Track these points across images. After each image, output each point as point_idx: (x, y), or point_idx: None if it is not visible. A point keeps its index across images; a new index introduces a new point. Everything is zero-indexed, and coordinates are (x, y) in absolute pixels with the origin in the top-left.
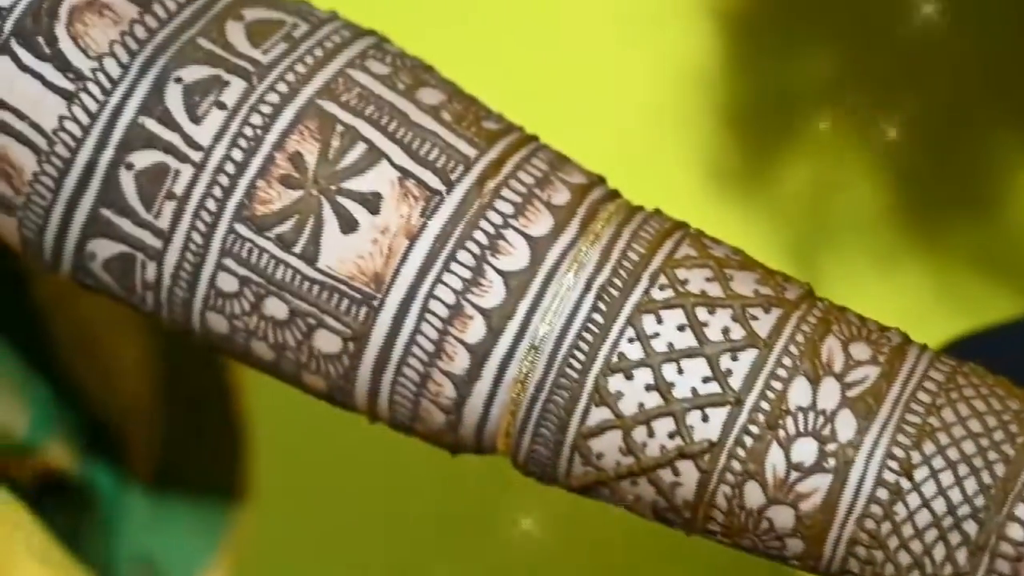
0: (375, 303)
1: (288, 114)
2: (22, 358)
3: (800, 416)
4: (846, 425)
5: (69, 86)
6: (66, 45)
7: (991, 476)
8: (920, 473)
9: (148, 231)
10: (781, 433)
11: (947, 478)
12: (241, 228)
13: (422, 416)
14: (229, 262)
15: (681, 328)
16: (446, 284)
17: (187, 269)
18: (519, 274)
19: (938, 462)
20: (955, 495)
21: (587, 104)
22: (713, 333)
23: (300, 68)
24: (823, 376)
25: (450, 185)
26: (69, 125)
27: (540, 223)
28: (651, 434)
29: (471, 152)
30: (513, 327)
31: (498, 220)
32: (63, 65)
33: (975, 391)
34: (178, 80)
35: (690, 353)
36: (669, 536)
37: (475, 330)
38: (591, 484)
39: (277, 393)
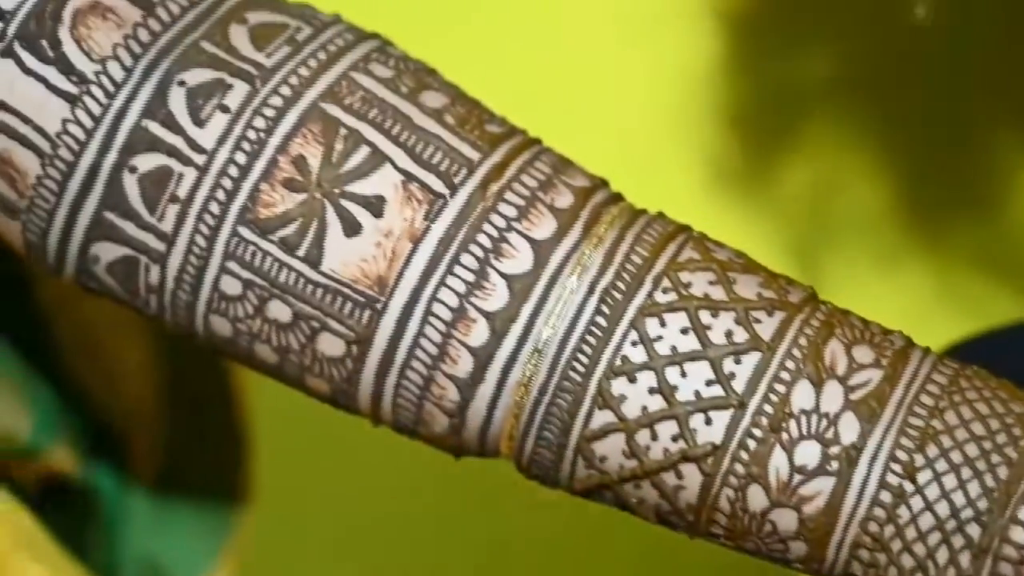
0: (378, 306)
1: (291, 117)
2: (25, 361)
3: (803, 419)
4: (849, 428)
5: (72, 89)
6: (70, 48)
7: (994, 479)
8: (923, 476)
9: (151, 234)
10: (784, 436)
11: (950, 481)
12: (244, 231)
13: (425, 419)
14: (232, 265)
15: (684, 331)
16: (449, 287)
17: (190, 272)
18: (522, 277)
19: (941, 465)
20: (958, 498)
21: (588, 105)
22: (716, 336)
23: (303, 71)
24: (826, 379)
25: (453, 188)
26: (72, 128)
27: (543, 226)
28: (654, 437)
29: (474, 155)
30: (516, 330)
31: (501, 223)
32: (66, 68)
33: (978, 394)
34: (181, 83)
35: (693, 356)
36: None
37: (478, 333)
38: (594, 487)
39: (280, 396)
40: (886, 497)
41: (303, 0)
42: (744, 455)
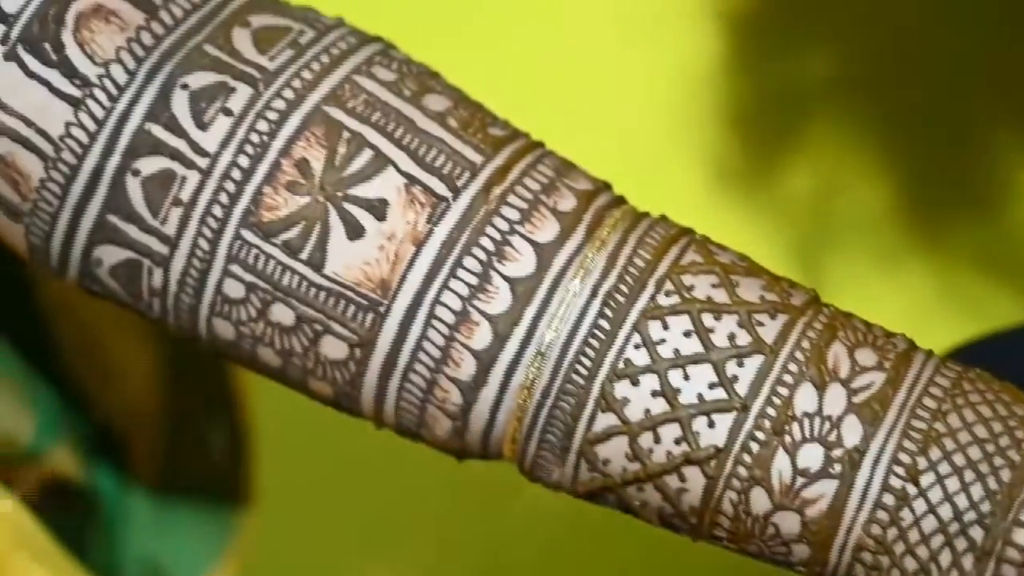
0: (381, 309)
1: (294, 120)
2: (27, 363)
3: (806, 422)
4: (852, 431)
5: (76, 92)
6: (73, 52)
7: (997, 482)
8: (926, 479)
9: (155, 237)
10: (787, 439)
11: (953, 484)
12: (247, 234)
13: (428, 422)
14: (235, 268)
15: (687, 334)
16: (452, 290)
17: (193, 275)
18: (525, 280)
19: (944, 468)
20: (961, 501)
21: (590, 106)
22: (719, 339)
23: (306, 74)
24: (829, 382)
25: (456, 191)
26: (76, 132)
27: (546, 229)
28: (657, 440)
29: (477, 158)
30: (519, 333)
31: (504, 226)
32: (70, 72)
33: (981, 397)
34: (184, 87)
35: (696, 359)
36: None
37: (481, 336)
38: (597, 490)
39: (282, 397)
40: (889, 500)
41: (306, 3)
42: (747, 458)
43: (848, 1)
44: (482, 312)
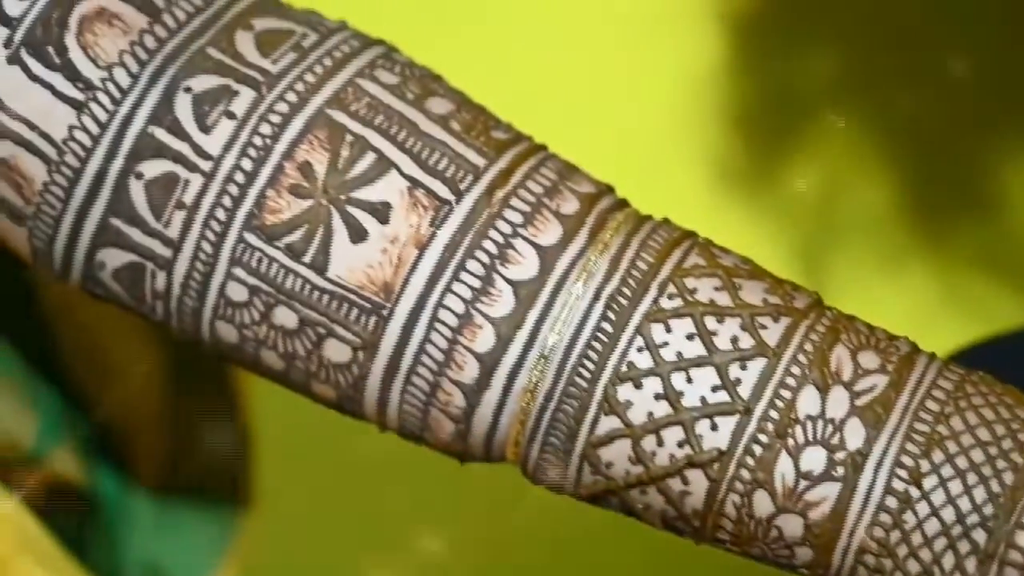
0: (384, 312)
1: (297, 124)
2: (29, 365)
3: (809, 425)
4: (855, 434)
5: (79, 96)
6: (76, 55)
7: (1000, 485)
8: (929, 482)
9: (158, 240)
10: (790, 442)
11: (956, 487)
12: (251, 237)
13: (431, 425)
14: (239, 271)
15: (690, 337)
16: (455, 293)
17: (197, 279)
18: (528, 283)
19: (947, 471)
20: (964, 504)
21: (592, 108)
22: (722, 342)
23: (309, 78)
24: (832, 385)
25: (459, 195)
26: (79, 135)
27: (549, 232)
28: (660, 443)
29: (480, 162)
30: (522, 336)
31: (507, 229)
32: (73, 75)
33: (984, 400)
34: (187, 90)
35: (699, 362)
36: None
37: (484, 339)
38: (600, 493)
39: (283, 399)
40: (892, 503)
41: (309, 6)
42: (750, 461)
43: (851, 1)
44: (485, 315)
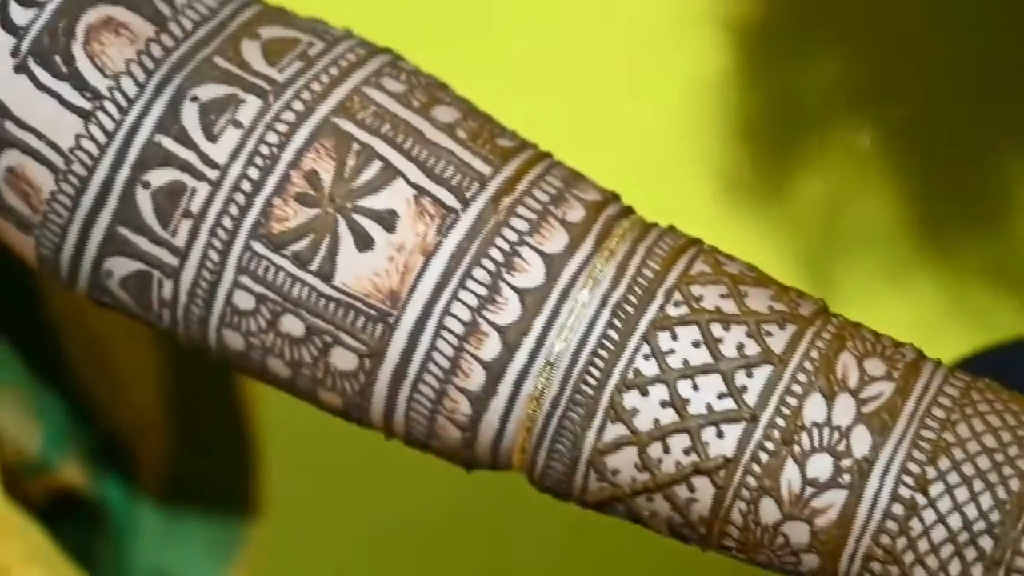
0: (391, 320)
1: (304, 132)
2: (35, 374)
3: (815, 432)
4: (861, 441)
5: (86, 105)
6: (83, 64)
7: (1006, 491)
8: (935, 488)
9: (165, 249)
10: (796, 449)
11: (962, 493)
12: (257, 246)
13: (438, 433)
14: (245, 280)
15: (696, 344)
16: (462, 301)
17: (203, 287)
18: (534, 291)
19: (953, 477)
20: (970, 510)
21: (598, 117)
22: (728, 349)
23: (316, 86)
24: (838, 392)
25: (465, 203)
26: (86, 144)
27: (555, 240)
28: (666, 450)
29: (486, 170)
30: (529, 344)
31: (513, 237)
32: (80, 84)
33: (990, 406)
34: (194, 99)
35: (705, 369)
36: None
37: (491, 347)
38: (606, 500)
39: (290, 406)
40: (898, 510)
41: (314, 15)
42: (756, 468)
43: (858, 13)
44: (491, 323)
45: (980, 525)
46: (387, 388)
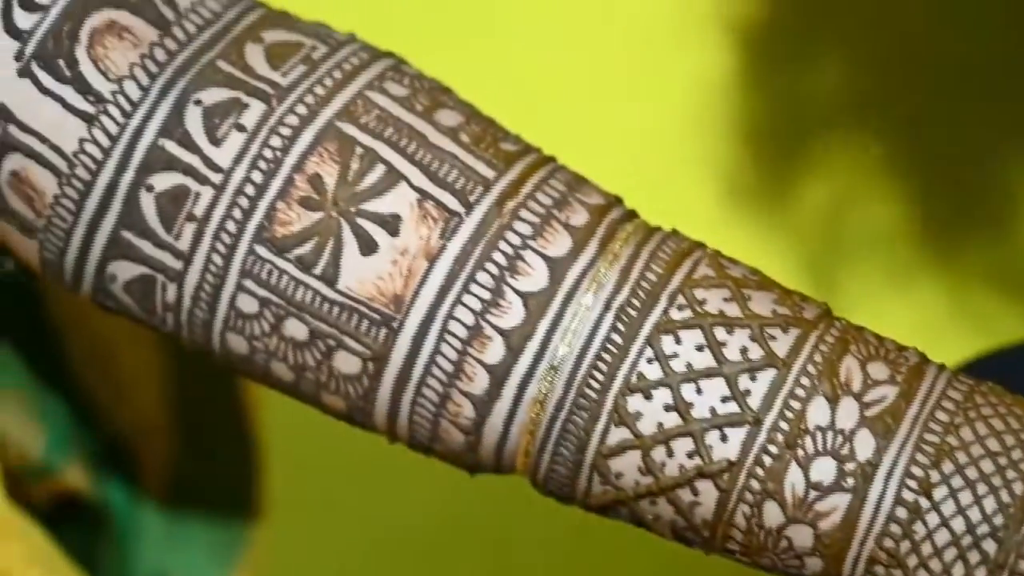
0: (395, 324)
1: (307, 136)
2: (38, 377)
3: (819, 435)
4: (865, 444)
5: (90, 109)
6: (87, 68)
7: (1010, 495)
8: (939, 492)
9: (168, 253)
10: (800, 452)
11: (966, 497)
12: (261, 250)
13: (441, 436)
14: (249, 283)
15: (700, 348)
16: (465, 305)
17: (207, 290)
18: (538, 295)
19: (957, 481)
20: (974, 514)
21: (602, 121)
22: (731, 353)
23: (319, 90)
24: (841, 395)
25: (469, 207)
26: (89, 148)
27: (559, 244)
28: (670, 454)
29: (490, 173)
30: (532, 347)
31: (517, 241)
32: (83, 88)
33: (993, 410)
34: (198, 102)
35: (709, 373)
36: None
37: (494, 350)
38: (610, 504)
39: (293, 409)
40: (902, 513)
41: (318, 19)
42: (760, 471)
43: (861, 15)
44: (495, 327)
45: (984, 528)
46: (391, 392)
